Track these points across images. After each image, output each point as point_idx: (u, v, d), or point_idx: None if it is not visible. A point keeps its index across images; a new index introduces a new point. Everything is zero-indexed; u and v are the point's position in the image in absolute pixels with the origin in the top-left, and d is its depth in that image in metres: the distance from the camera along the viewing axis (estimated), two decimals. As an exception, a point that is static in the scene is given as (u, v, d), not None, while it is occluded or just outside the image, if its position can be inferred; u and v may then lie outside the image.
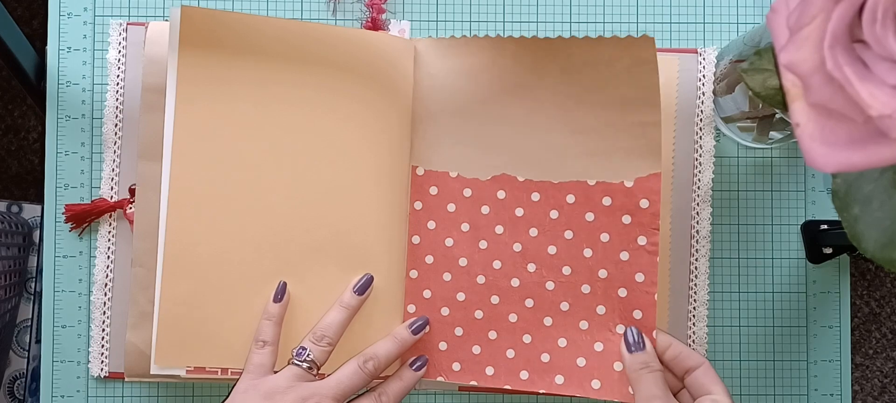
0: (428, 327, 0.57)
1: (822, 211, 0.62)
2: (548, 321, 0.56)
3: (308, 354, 0.54)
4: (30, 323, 0.86)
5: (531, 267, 0.57)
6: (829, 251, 0.60)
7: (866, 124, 0.34)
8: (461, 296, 0.57)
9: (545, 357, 0.56)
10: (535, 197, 0.57)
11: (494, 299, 0.57)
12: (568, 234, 0.56)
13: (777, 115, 0.56)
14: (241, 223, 0.56)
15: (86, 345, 0.60)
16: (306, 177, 0.56)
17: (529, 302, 0.56)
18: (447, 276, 0.58)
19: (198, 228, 0.55)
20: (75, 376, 0.60)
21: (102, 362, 0.59)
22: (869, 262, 1.28)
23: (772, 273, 0.62)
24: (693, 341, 0.60)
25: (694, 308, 0.60)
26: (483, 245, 0.57)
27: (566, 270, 0.56)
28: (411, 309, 0.58)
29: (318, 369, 0.54)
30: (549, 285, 0.56)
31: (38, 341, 0.86)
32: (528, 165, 0.57)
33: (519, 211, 0.57)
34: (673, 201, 0.59)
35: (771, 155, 0.62)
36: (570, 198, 0.56)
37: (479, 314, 0.57)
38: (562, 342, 0.56)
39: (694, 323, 0.60)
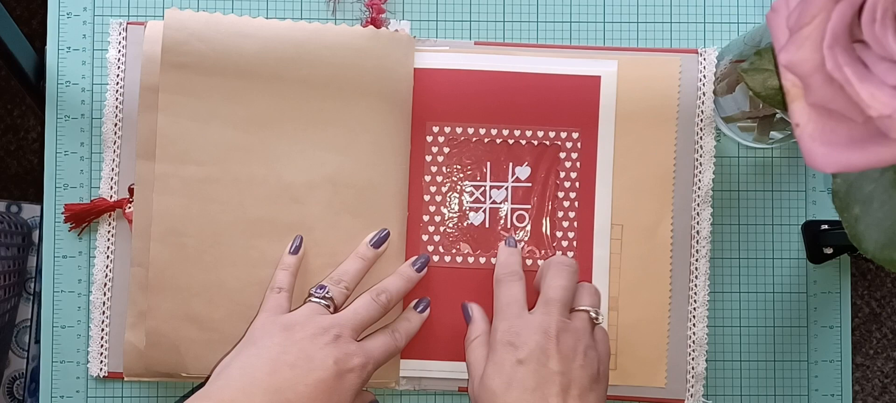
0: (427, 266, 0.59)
1: (822, 211, 0.62)
2: None
3: (327, 292, 0.55)
4: (29, 324, 0.86)
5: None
6: (829, 251, 0.60)
7: (866, 124, 0.34)
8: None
9: None
10: None
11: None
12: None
13: (777, 115, 0.56)
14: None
15: (85, 345, 0.60)
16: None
17: None
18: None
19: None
20: (74, 376, 0.60)
21: (101, 362, 0.59)
22: (869, 262, 1.28)
23: (772, 273, 0.62)
24: (693, 341, 0.60)
25: (694, 308, 0.60)
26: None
27: None
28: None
29: (335, 309, 0.55)
30: None
31: (38, 341, 0.86)
32: None
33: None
34: (674, 201, 0.59)
35: (771, 155, 0.62)
36: None
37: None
38: None
39: (694, 324, 0.60)
